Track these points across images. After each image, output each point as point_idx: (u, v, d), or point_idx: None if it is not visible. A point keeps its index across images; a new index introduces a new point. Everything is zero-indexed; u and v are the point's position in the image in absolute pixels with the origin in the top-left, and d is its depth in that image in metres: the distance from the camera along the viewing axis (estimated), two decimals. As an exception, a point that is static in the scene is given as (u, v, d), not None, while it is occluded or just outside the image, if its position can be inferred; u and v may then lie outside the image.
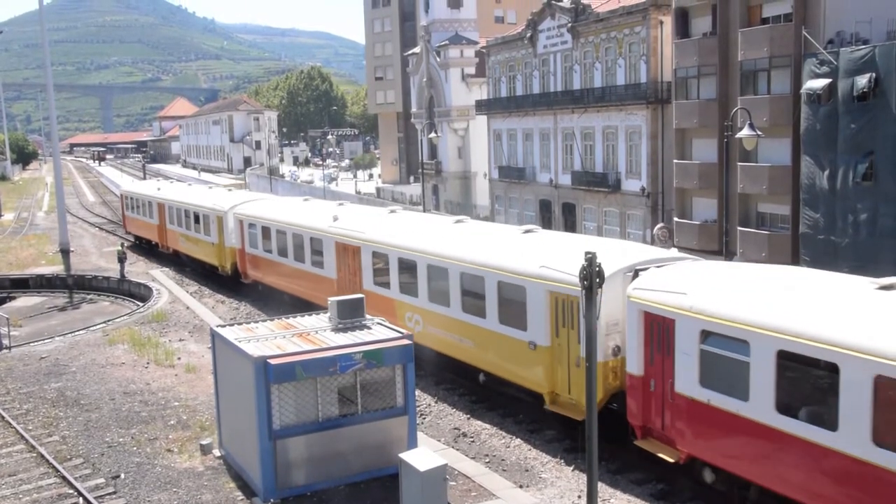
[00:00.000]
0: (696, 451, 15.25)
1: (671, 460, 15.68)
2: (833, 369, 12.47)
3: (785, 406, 13.26)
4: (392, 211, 28.68)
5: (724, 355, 14.38)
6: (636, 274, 17.02)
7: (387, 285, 24.33)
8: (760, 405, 13.58)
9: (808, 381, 13.20)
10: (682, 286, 15.63)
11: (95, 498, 15.79)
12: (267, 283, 33.00)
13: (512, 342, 19.30)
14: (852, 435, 12.17)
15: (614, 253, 18.20)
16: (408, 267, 23.28)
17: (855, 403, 12.13)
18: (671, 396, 15.58)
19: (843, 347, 12.34)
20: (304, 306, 26.99)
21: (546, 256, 18.93)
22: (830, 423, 12.48)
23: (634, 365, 16.33)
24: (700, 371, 14.83)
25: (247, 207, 35.30)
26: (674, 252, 20.65)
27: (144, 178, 76.60)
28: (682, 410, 15.32)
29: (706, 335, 14.70)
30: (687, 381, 15.10)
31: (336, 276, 27.18)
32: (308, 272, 29.05)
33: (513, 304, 19.27)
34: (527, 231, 22.23)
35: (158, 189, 49.51)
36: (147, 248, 49.00)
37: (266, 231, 32.34)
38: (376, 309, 22.36)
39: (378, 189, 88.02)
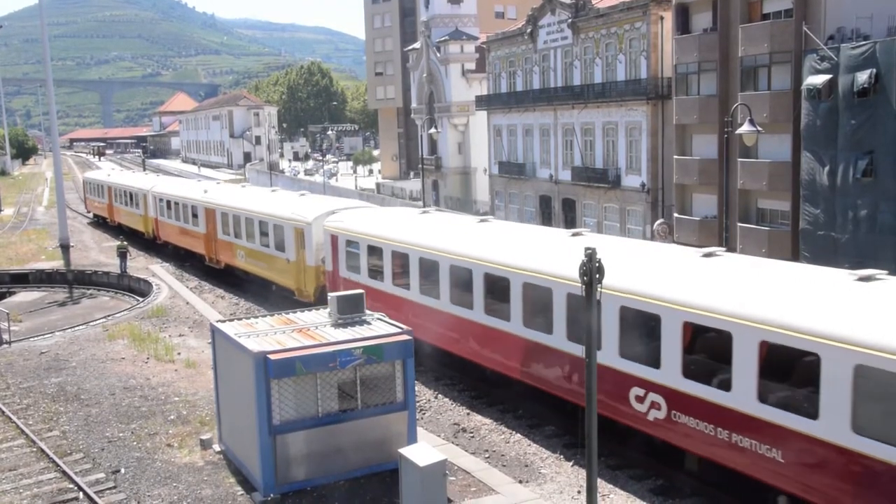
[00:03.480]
0: None
1: None
2: (387, 249, 24.40)
3: (373, 274, 25.17)
4: (243, 186, 43.58)
5: (355, 252, 26.05)
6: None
7: (228, 234, 36.15)
8: (369, 276, 25.38)
9: (380, 258, 24.72)
10: (343, 219, 27.51)
11: (95, 493, 15.81)
12: (171, 242, 44.35)
13: (281, 261, 31.20)
14: (404, 286, 23.64)
15: (325, 203, 31.32)
16: (237, 220, 35.10)
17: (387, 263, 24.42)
18: (339, 279, 26.92)
19: (385, 238, 24.56)
20: (190, 255, 41.47)
21: (295, 207, 31.02)
22: (377, 275, 24.93)
23: (329, 265, 27.72)
24: (346, 262, 26.52)
25: (159, 187, 47.09)
26: (366, 203, 34.88)
27: (144, 172, 76.99)
28: (344, 287, 25.45)
29: (349, 243, 26.24)
30: (343, 268, 26.75)
31: (205, 231, 38.86)
32: (190, 230, 40.80)
33: (280, 238, 31.08)
34: (301, 195, 34.97)
35: (108, 175, 61.91)
36: (102, 224, 59.77)
37: (168, 203, 43.80)
38: (225, 251, 36.83)
39: (378, 185, 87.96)
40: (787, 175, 34.98)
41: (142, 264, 43.22)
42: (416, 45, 78.91)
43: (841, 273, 14.89)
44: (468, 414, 20.43)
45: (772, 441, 13.42)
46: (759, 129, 25.07)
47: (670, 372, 15.17)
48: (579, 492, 15.76)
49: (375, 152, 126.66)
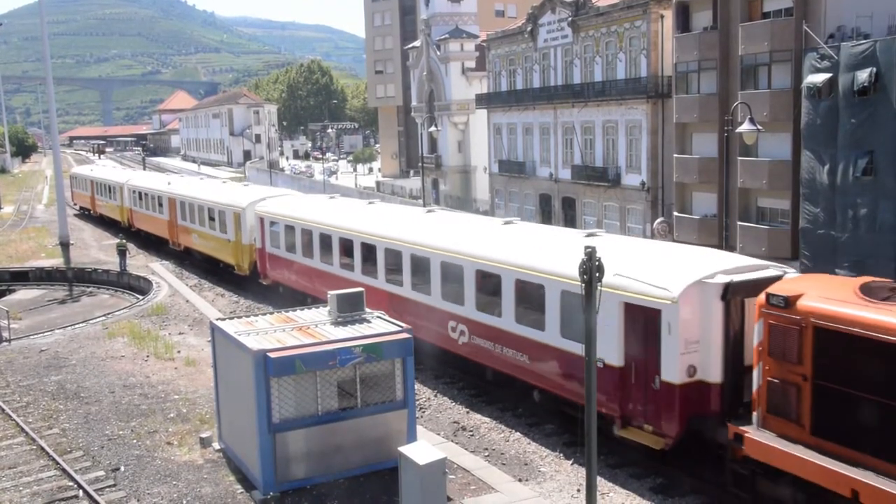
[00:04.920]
0: (276, 279, 32.27)
1: (266, 283, 32.90)
2: (298, 227, 29.78)
3: (289, 248, 30.40)
4: (201, 178, 52.71)
5: (276, 231, 31.44)
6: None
7: (185, 219, 41.66)
8: (286, 250, 30.64)
9: (293, 234, 29.92)
10: (269, 204, 33.10)
11: (95, 490, 15.82)
12: (142, 229, 50.13)
13: (223, 241, 36.58)
14: (309, 255, 29.04)
15: (259, 191, 37.06)
16: (192, 208, 40.48)
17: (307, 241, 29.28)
18: (265, 253, 32.44)
19: (297, 219, 30.11)
20: (158, 241, 47.06)
21: (235, 195, 36.71)
22: (292, 249, 30.24)
23: (258, 243, 33.10)
24: (271, 239, 31.91)
25: (133, 181, 53.25)
26: (292, 191, 40.65)
27: (144, 170, 77.14)
28: (269, 260, 32.29)
29: (271, 223, 31.83)
30: (268, 245, 32.12)
31: (168, 218, 44.38)
32: (158, 217, 46.33)
33: (222, 222, 36.43)
34: (245, 185, 43.23)
35: (91, 170, 68.08)
36: (88, 216, 64.87)
37: (140, 194, 49.96)
38: (184, 235, 42.33)
39: (378, 183, 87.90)
40: (787, 174, 34.96)
41: (141, 262, 43.23)
42: (417, 43, 78.84)
43: (574, 232, 21.79)
44: (468, 412, 20.44)
45: (523, 349, 19.05)
46: (759, 127, 25.02)
47: (469, 307, 20.80)
48: (579, 490, 15.77)
49: (376, 147, 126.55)
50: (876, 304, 12.79)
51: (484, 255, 20.35)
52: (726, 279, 15.25)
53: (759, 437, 13.87)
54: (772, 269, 16.18)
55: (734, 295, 15.15)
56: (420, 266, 22.71)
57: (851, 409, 12.73)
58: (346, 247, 26.63)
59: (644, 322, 15.79)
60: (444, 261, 21.59)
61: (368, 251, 25.33)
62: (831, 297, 13.34)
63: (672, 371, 15.26)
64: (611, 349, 16.36)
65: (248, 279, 34.88)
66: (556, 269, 18.02)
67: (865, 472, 12.30)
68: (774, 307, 13.75)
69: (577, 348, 16.23)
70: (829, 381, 13.01)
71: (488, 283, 20.10)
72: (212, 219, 37.67)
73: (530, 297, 18.78)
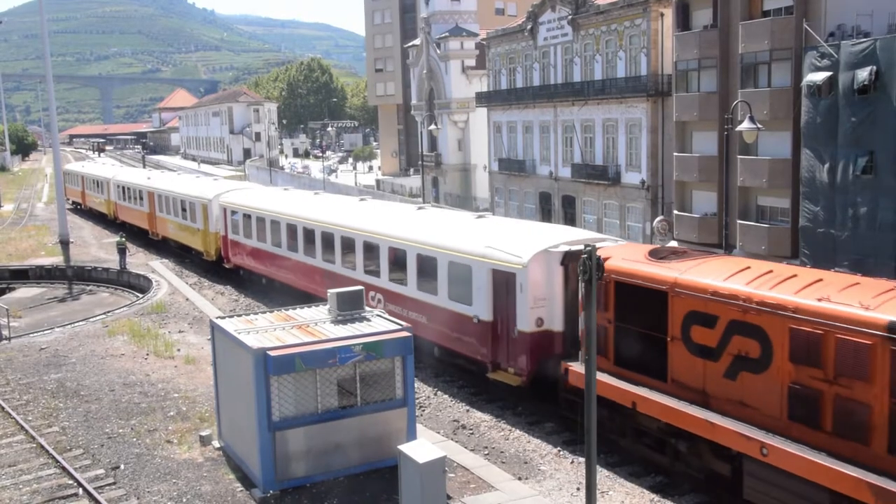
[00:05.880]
0: (237, 263, 35.35)
1: (228, 267, 36.18)
2: (254, 215, 33.16)
3: (247, 234, 33.55)
4: (179, 174, 57.01)
5: (237, 220, 34.77)
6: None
7: (163, 211, 45.02)
8: (252, 238, 33.24)
9: (250, 222, 33.18)
10: (231, 195, 36.67)
11: (95, 489, 15.82)
12: (126, 221, 53.18)
13: (193, 229, 40.16)
14: (262, 240, 32.53)
15: (225, 185, 41.97)
16: (168, 200, 43.88)
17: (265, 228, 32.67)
18: (229, 241, 35.63)
19: (254, 208, 33.40)
20: (140, 232, 50.15)
21: (203, 188, 40.44)
22: (249, 235, 33.73)
23: (222, 230, 36.47)
24: (232, 227, 35.32)
25: (119, 176, 56.66)
26: (254, 184, 48.21)
27: (144, 168, 77.31)
28: (231, 246, 35.56)
29: (233, 213, 35.22)
30: (230, 232, 35.57)
31: (148, 210, 47.98)
32: (141, 210, 49.67)
33: (192, 212, 40.03)
34: (214, 180, 47.79)
35: (83, 167, 72.87)
36: (80, 210, 67.74)
37: (124, 189, 53.61)
38: (161, 225, 45.97)
39: (378, 181, 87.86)
40: (786, 172, 34.94)
41: (141, 260, 43.23)
42: (417, 41, 78.81)
43: (467, 214, 26.32)
44: (468, 410, 20.44)
45: (422, 311, 22.61)
46: (760, 126, 25.02)
47: (384, 279, 24.40)
48: (578, 488, 15.76)
49: (375, 144, 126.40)
50: (654, 263, 16.32)
51: (395, 235, 24.14)
52: (566, 248, 19.09)
53: (579, 369, 17.25)
54: (608, 242, 19.83)
55: (572, 261, 18.68)
56: (348, 246, 26.35)
57: (635, 342, 16.49)
58: (292, 232, 29.99)
59: (505, 284, 19.52)
60: (366, 241, 25.37)
61: (309, 235, 28.75)
62: (627, 258, 17.05)
63: (525, 322, 19.04)
64: (483, 307, 20.21)
65: (248, 276, 35.11)
66: (445, 244, 21.74)
67: (640, 387, 16.19)
68: None
69: (460, 308, 21.09)
70: (623, 322, 16.79)
71: (398, 258, 23.77)
72: (184, 210, 41.37)
73: (427, 268, 22.42)
